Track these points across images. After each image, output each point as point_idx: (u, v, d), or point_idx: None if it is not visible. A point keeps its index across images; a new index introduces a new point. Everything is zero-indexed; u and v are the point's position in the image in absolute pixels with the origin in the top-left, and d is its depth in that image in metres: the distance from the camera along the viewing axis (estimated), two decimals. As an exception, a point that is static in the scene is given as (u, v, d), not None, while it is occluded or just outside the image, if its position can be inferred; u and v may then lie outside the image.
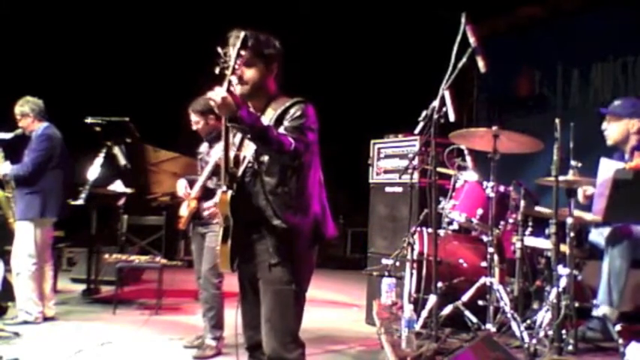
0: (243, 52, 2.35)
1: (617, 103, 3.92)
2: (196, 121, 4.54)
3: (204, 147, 4.63)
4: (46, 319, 5.20)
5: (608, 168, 3.48)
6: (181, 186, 4.54)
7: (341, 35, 8.95)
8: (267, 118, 2.51)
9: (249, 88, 2.52)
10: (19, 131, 5.30)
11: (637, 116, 3.79)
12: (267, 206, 2.44)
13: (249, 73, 2.51)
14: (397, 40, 8.98)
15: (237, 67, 2.35)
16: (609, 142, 3.90)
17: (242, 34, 2.35)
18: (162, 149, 6.54)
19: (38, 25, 8.73)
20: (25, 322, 4.98)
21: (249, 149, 2.48)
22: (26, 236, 5.06)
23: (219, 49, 2.43)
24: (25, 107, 5.25)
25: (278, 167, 2.45)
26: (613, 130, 3.86)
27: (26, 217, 5.07)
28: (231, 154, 2.51)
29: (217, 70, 2.40)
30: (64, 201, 5.38)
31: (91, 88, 8.96)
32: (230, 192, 2.42)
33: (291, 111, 2.48)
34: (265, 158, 2.45)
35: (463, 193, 3.99)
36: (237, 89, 2.48)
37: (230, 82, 2.32)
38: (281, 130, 2.43)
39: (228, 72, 2.34)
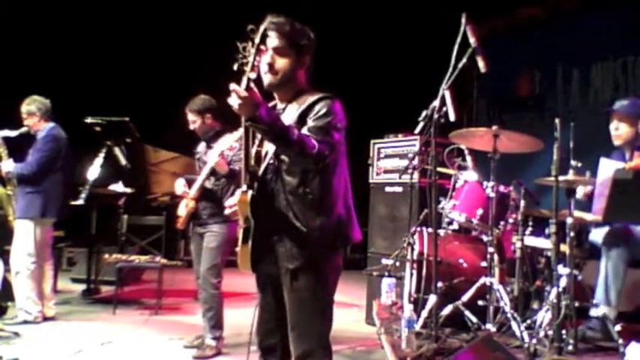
0: (262, 47, 2.25)
1: (627, 102, 3.86)
2: (193, 121, 4.54)
3: (201, 146, 4.63)
4: (46, 319, 5.19)
5: (608, 168, 3.48)
6: (180, 185, 4.54)
7: (340, 35, 8.94)
8: (293, 109, 2.39)
9: (279, 78, 2.39)
10: (24, 130, 5.29)
11: None
12: (287, 207, 2.32)
13: (281, 63, 2.37)
14: (397, 40, 8.97)
15: (256, 63, 2.24)
16: (619, 142, 3.85)
17: (262, 28, 2.25)
18: (162, 149, 6.54)
19: (38, 25, 8.72)
20: (25, 322, 4.98)
21: (271, 145, 2.35)
22: (26, 235, 5.06)
23: (238, 44, 2.27)
24: (32, 106, 5.24)
25: (300, 166, 2.32)
26: (625, 131, 3.82)
27: (27, 216, 5.06)
28: (252, 150, 2.38)
29: (235, 67, 2.25)
30: (65, 202, 5.37)
31: (91, 88, 8.95)
32: (250, 192, 2.31)
33: (316, 108, 2.33)
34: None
35: (463, 193, 3.99)
36: (266, 78, 2.38)
37: (249, 79, 2.21)
38: (304, 130, 2.30)
39: (247, 68, 2.22)
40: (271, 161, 2.36)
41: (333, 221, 2.36)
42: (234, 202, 2.44)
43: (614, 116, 3.88)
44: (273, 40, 2.38)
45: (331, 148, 2.30)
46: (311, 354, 2.37)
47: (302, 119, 2.34)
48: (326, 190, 2.35)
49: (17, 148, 5.34)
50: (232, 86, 2.14)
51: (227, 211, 2.50)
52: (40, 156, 5.10)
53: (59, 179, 5.20)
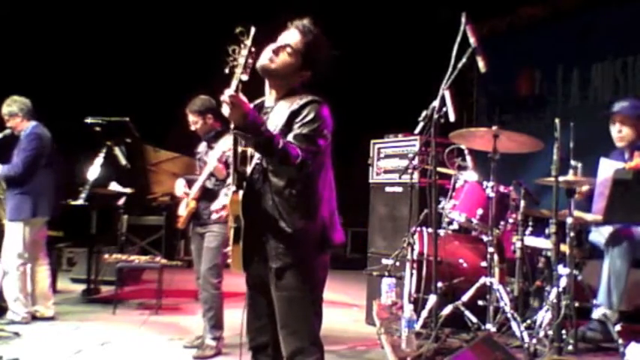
0: (254, 49, 2.23)
1: (628, 104, 3.85)
2: (194, 121, 4.54)
3: (202, 147, 4.63)
4: (46, 319, 5.20)
5: (608, 168, 3.48)
6: (180, 186, 4.54)
7: (340, 35, 8.93)
8: (283, 108, 2.39)
9: (273, 70, 2.38)
10: (7, 132, 5.26)
11: None
12: (273, 208, 2.34)
13: (281, 59, 2.38)
14: (397, 40, 8.97)
15: (248, 65, 2.22)
16: (622, 144, 3.83)
17: (253, 29, 2.23)
18: (162, 149, 6.54)
19: (38, 24, 8.72)
20: (12, 322, 4.93)
21: None
22: (15, 236, 5.03)
23: (227, 46, 2.26)
24: (14, 107, 5.21)
25: (284, 172, 2.34)
26: (628, 133, 3.81)
27: (18, 218, 5.03)
28: (239, 148, 2.38)
29: (227, 69, 2.24)
30: (56, 200, 5.32)
31: (91, 88, 8.95)
32: (241, 192, 2.32)
33: (304, 112, 2.34)
34: None
35: (463, 193, 3.99)
36: (265, 60, 2.36)
37: (240, 81, 2.20)
38: (290, 136, 2.30)
39: (237, 70, 2.21)
40: (258, 162, 2.37)
41: (318, 224, 2.39)
42: (221, 205, 2.44)
43: (615, 118, 3.86)
44: (290, 37, 2.41)
45: (314, 155, 2.32)
46: (302, 351, 2.37)
47: (289, 121, 2.35)
48: (311, 193, 2.37)
49: (1, 151, 5.29)
50: (224, 94, 2.15)
51: (214, 216, 2.49)
52: (25, 155, 5.06)
53: (47, 177, 5.16)
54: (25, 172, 5.04)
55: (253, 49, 2.24)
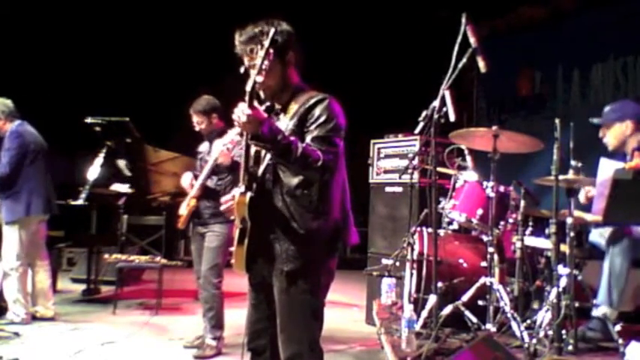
0: (272, 50, 2.20)
1: (606, 109, 3.91)
2: (199, 122, 4.53)
3: (204, 146, 4.63)
4: (46, 319, 5.20)
5: (608, 168, 3.48)
6: (187, 179, 4.54)
7: (340, 35, 8.94)
8: (292, 110, 2.36)
9: (270, 94, 2.37)
10: None
11: (627, 118, 3.78)
12: (284, 208, 2.30)
13: (269, 79, 2.29)
14: (397, 40, 8.98)
15: (264, 66, 2.18)
16: (610, 148, 3.89)
17: (271, 30, 2.20)
18: (162, 149, 6.54)
19: (39, 24, 8.72)
20: (12, 323, 4.93)
21: None
22: (13, 238, 5.03)
23: (245, 46, 2.26)
24: None
25: (304, 176, 2.30)
26: (610, 138, 3.85)
27: (12, 219, 5.02)
28: (251, 150, 2.34)
29: (242, 70, 2.24)
30: (50, 196, 5.28)
31: (91, 88, 8.95)
32: (249, 193, 2.28)
33: (315, 113, 2.30)
34: None
35: (463, 193, 3.99)
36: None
37: (256, 83, 2.18)
38: (307, 140, 2.27)
39: (253, 71, 2.19)
40: (270, 162, 2.34)
41: (330, 225, 2.35)
42: (231, 195, 2.44)
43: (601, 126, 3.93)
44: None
45: (335, 156, 2.29)
46: (299, 357, 2.34)
47: (300, 123, 2.32)
48: (324, 193, 2.33)
49: None
50: (237, 109, 2.13)
51: (222, 207, 2.49)
52: (9, 155, 5.03)
53: (37, 174, 5.13)
54: (11, 172, 5.00)
55: (271, 51, 2.20)
